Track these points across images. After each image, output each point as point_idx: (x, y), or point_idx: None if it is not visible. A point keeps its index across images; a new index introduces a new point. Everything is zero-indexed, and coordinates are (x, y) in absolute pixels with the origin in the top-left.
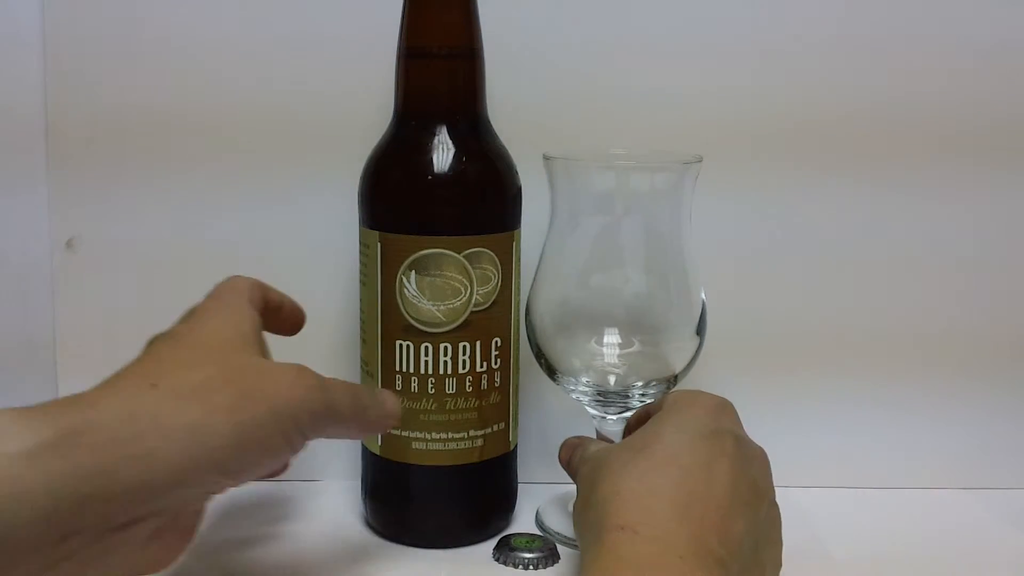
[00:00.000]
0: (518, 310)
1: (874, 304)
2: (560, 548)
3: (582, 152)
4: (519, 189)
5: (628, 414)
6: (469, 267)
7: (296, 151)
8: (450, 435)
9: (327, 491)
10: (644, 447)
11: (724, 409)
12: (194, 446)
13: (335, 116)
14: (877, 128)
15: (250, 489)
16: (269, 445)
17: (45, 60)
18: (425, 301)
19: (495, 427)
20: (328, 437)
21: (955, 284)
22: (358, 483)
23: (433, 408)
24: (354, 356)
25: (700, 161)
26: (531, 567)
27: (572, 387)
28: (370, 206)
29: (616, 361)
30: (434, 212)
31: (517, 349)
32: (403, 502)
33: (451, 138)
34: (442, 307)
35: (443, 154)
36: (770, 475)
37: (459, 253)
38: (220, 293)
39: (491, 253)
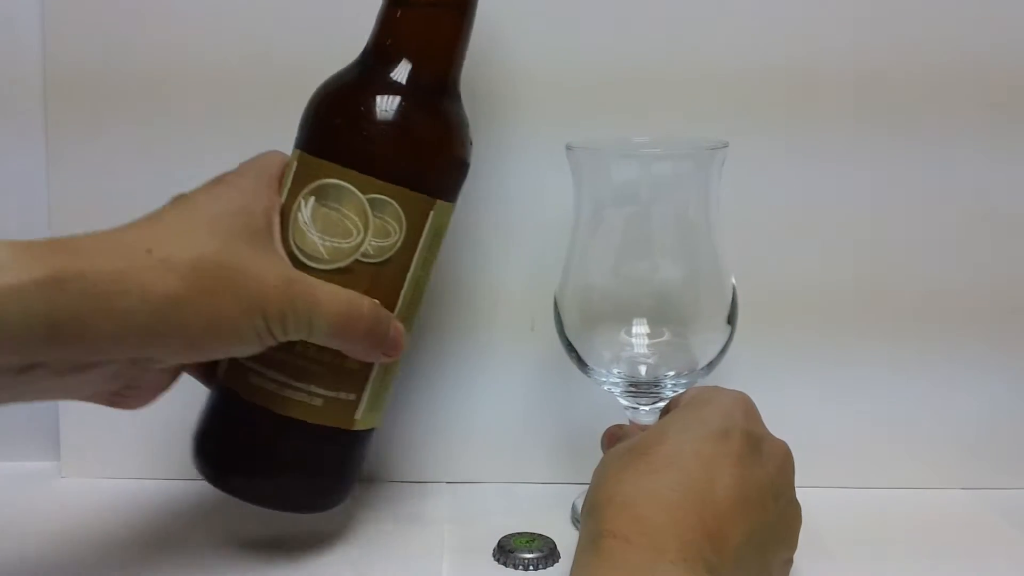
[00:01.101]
0: (416, 286)
1: (872, 301)
2: (560, 547)
3: (605, 140)
4: (458, 162)
5: (661, 405)
6: (369, 211)
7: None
8: (289, 380)
9: None
10: (645, 449)
11: (738, 405)
12: (169, 316)
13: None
14: (898, 88)
15: None
16: (239, 336)
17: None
18: (314, 231)
19: (342, 394)
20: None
21: (960, 274)
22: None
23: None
24: None
25: (726, 146)
26: (531, 567)
27: (603, 379)
28: (302, 124)
29: (646, 351)
30: (350, 143)
31: (409, 332)
32: (223, 435)
33: (400, 84)
34: (327, 242)
35: (383, 95)
36: (789, 473)
37: (362, 193)
38: (250, 168)
39: (397, 207)
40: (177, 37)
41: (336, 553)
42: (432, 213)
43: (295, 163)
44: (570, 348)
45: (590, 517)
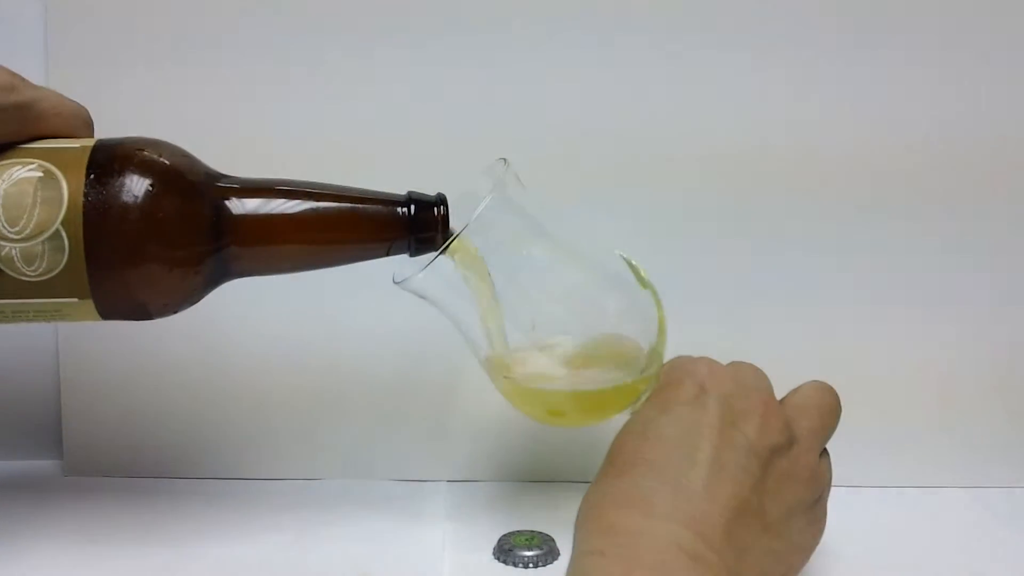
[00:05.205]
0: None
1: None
2: (559, 545)
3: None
4: (135, 303)
5: None
6: (48, 232)
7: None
8: None
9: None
10: (613, 454)
11: (699, 373)
12: None
13: None
14: None
15: None
16: None
17: None
18: (1, 187)
19: None
20: None
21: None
22: (349, 483)
23: None
24: None
25: (507, 164)
26: (531, 565)
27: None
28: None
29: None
30: (113, 192)
31: None
32: None
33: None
34: None
35: (155, 183)
36: (772, 423)
37: (63, 225)
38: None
39: (66, 259)
40: None
41: (337, 552)
42: (74, 300)
43: (81, 145)
44: (556, 412)
45: (574, 537)
